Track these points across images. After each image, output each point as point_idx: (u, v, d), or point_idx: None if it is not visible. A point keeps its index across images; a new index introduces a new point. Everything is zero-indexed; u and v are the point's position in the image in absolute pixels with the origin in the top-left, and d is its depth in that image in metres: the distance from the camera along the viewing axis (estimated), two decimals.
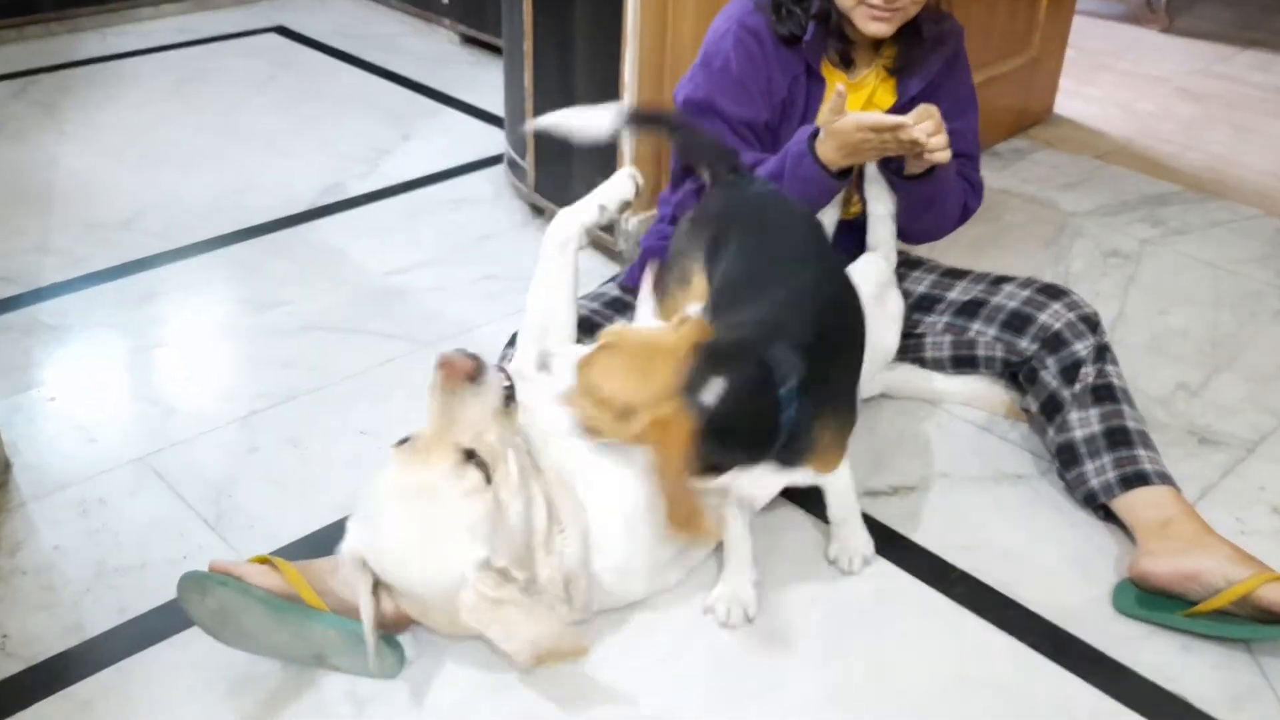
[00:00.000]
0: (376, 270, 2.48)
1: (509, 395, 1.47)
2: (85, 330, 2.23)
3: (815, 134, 1.74)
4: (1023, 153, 3.17)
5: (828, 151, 1.72)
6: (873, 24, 1.77)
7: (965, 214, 1.97)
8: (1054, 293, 1.89)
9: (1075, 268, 2.55)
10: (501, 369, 1.49)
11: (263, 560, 1.52)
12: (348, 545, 1.44)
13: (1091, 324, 1.85)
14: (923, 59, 1.87)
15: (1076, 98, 3.59)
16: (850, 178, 1.80)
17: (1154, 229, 2.76)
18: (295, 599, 1.46)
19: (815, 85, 1.88)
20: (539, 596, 1.41)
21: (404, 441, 1.44)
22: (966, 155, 1.94)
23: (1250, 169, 3.15)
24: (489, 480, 1.37)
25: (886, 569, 1.70)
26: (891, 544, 1.74)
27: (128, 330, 2.24)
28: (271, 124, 3.23)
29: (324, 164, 2.98)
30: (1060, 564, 1.72)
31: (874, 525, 1.77)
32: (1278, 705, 1.49)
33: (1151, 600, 1.61)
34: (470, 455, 1.38)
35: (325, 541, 1.70)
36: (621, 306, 1.97)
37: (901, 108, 1.85)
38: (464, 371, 1.41)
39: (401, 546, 1.38)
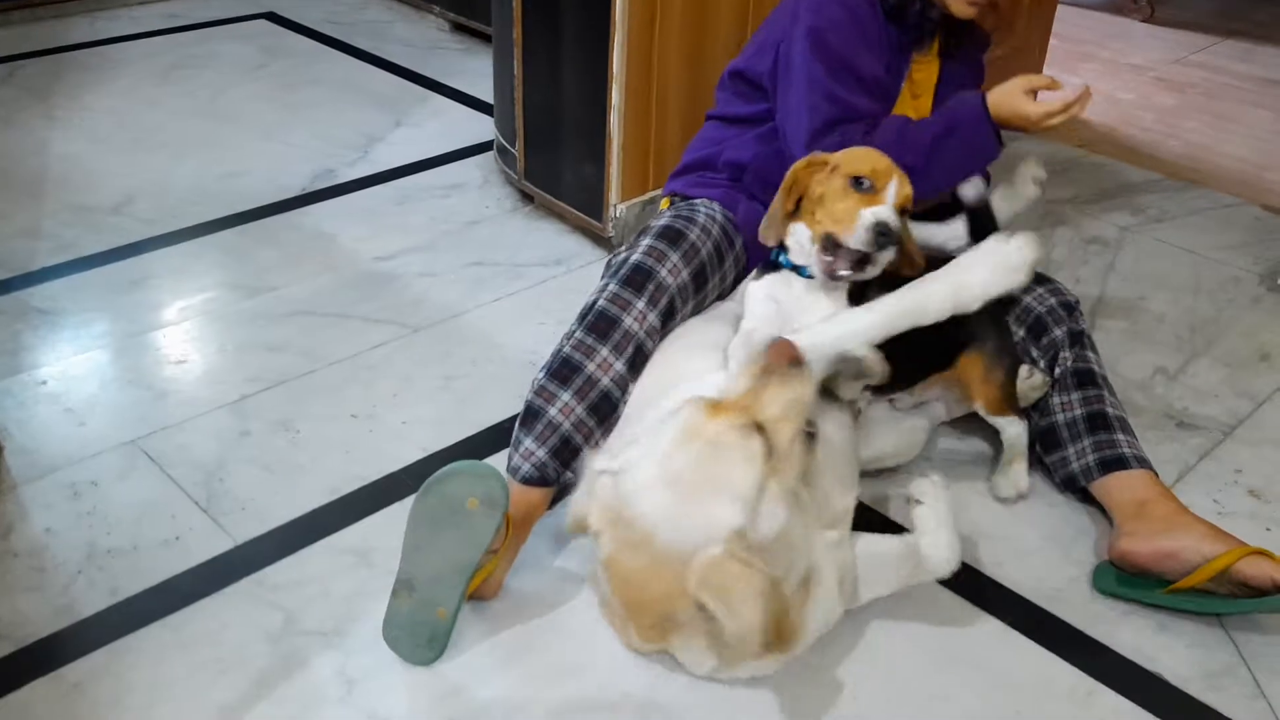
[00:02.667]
0: (366, 256, 2.50)
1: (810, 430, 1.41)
2: (76, 315, 2.24)
3: (983, 101, 1.77)
4: (1005, 138, 3.18)
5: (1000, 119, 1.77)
6: (967, 7, 1.84)
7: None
8: (1037, 278, 1.92)
9: (1056, 255, 2.58)
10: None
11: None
12: (600, 466, 1.41)
13: (1069, 309, 1.89)
14: (969, 45, 1.99)
15: None
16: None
17: (1134, 217, 2.79)
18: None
19: (904, 61, 1.91)
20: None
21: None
22: None
23: (1229, 157, 3.19)
24: (768, 453, 1.32)
25: None
26: (875, 525, 1.77)
27: (118, 315, 2.25)
28: (261, 110, 3.23)
29: (314, 150, 2.99)
30: (1040, 544, 1.76)
31: (858, 506, 1.79)
32: (1253, 683, 1.53)
33: (1131, 580, 1.65)
34: (760, 429, 1.33)
35: (316, 524, 1.73)
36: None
37: (944, 90, 1.98)
38: (790, 356, 1.39)
39: (665, 483, 1.33)
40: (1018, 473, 1.83)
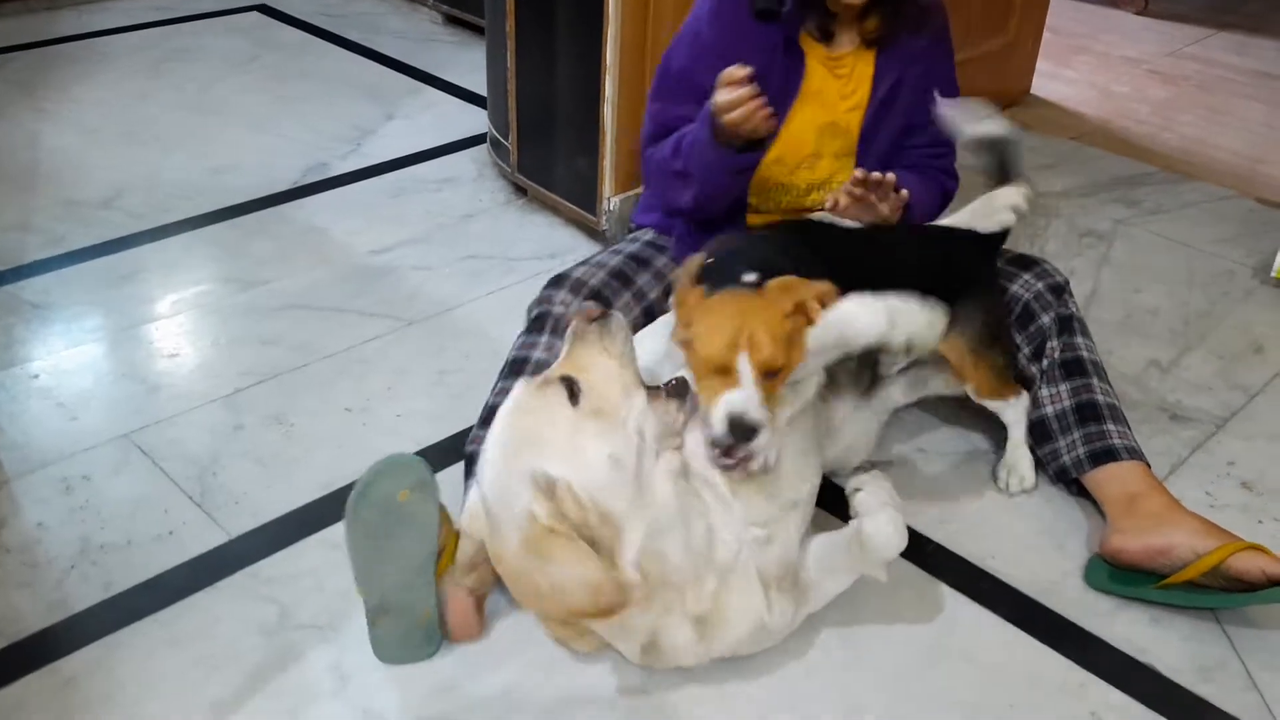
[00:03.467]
0: (359, 249, 2.49)
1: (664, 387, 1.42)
2: (67, 309, 2.24)
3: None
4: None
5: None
6: None
7: (945, 200, 1.97)
8: (1024, 263, 1.91)
9: (1050, 248, 2.58)
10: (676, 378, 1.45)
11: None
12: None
13: (1057, 292, 1.86)
14: (904, 33, 1.83)
15: (1054, 79, 3.62)
16: (762, 150, 1.74)
17: (1128, 209, 2.79)
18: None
19: (793, 58, 1.84)
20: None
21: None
22: (947, 146, 1.93)
23: (1224, 150, 3.19)
24: (575, 402, 1.34)
25: None
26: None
27: (110, 309, 2.24)
28: (253, 103, 3.22)
29: (306, 143, 2.98)
30: (1033, 537, 1.76)
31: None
32: (1245, 675, 1.53)
33: (1123, 575, 1.65)
34: (568, 380, 1.36)
35: (310, 518, 1.72)
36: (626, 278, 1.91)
37: (881, 84, 1.85)
38: (589, 313, 1.43)
39: (492, 462, 1.35)
40: (1021, 463, 1.84)
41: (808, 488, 1.55)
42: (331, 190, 2.74)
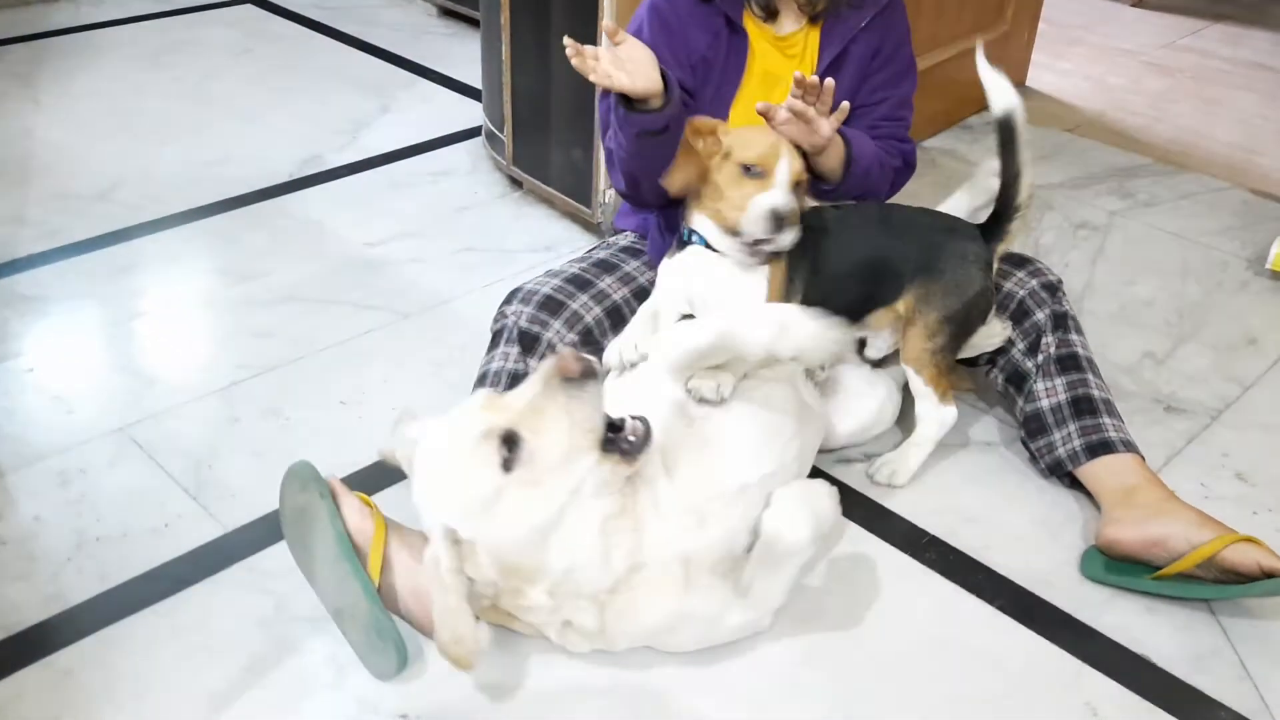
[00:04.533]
0: (355, 242, 2.49)
1: (622, 443, 1.37)
2: (63, 301, 2.23)
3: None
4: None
5: None
6: None
7: (900, 168, 1.93)
8: (1017, 261, 1.91)
9: (1045, 240, 2.59)
10: (640, 420, 1.39)
11: (367, 501, 1.54)
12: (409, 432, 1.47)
13: (1051, 290, 1.87)
14: (844, 6, 1.82)
15: (1049, 71, 3.62)
16: (660, 111, 1.69)
17: (1123, 201, 2.80)
18: (363, 552, 1.48)
19: (737, 39, 1.83)
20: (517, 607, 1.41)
21: (496, 394, 1.43)
22: (901, 120, 1.91)
23: (1218, 142, 3.19)
24: (507, 468, 1.31)
25: (859, 534, 1.73)
26: (864, 509, 1.78)
27: (106, 301, 2.24)
28: (248, 95, 3.22)
29: (302, 136, 2.97)
30: (1028, 529, 1.76)
31: (847, 491, 1.80)
32: (1239, 665, 1.54)
33: (1119, 566, 1.66)
34: (510, 439, 1.31)
35: None
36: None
37: (824, 57, 1.84)
38: (566, 369, 1.34)
39: (423, 467, 1.39)
40: (906, 461, 1.82)
41: (760, 472, 1.52)
42: (327, 183, 2.74)
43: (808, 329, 1.45)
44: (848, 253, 1.75)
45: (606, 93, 1.72)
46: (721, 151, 1.66)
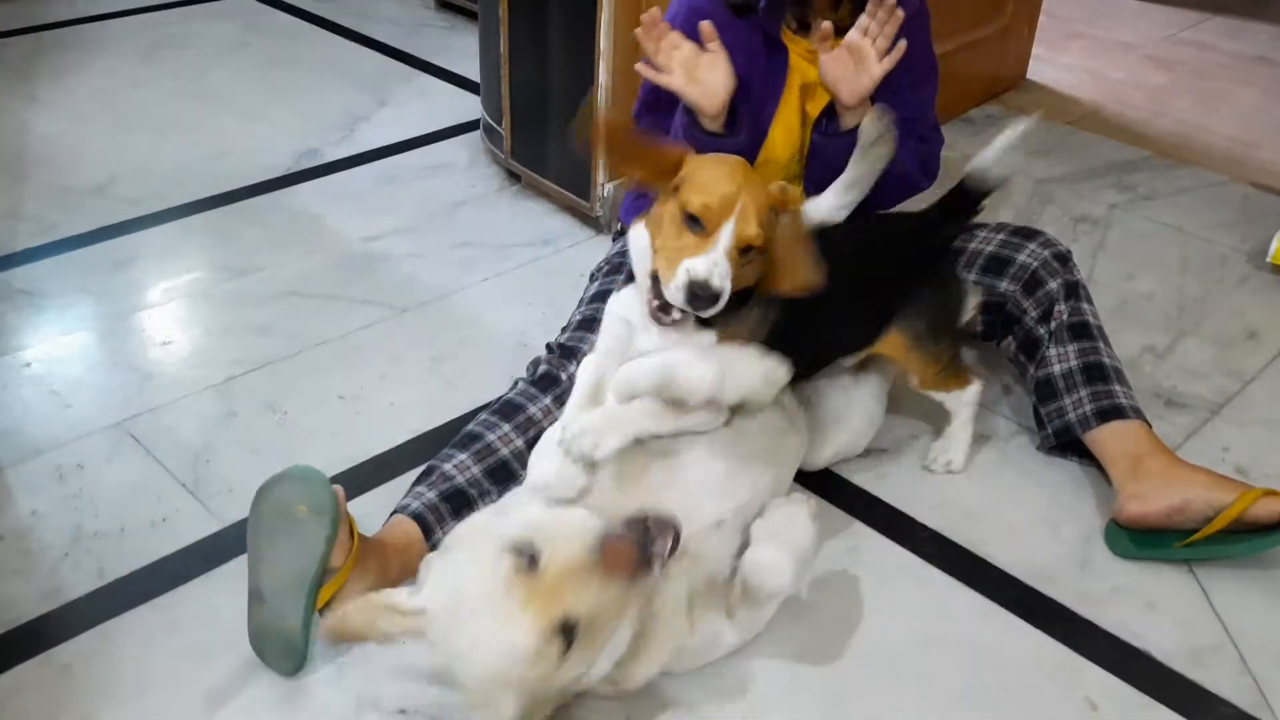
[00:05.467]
0: (353, 236, 2.48)
1: (655, 564, 1.26)
2: (60, 296, 2.23)
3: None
4: (995, 119, 3.19)
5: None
6: None
7: (925, 161, 1.94)
8: (1028, 234, 1.91)
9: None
10: (675, 527, 1.27)
11: (353, 533, 1.47)
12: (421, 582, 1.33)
13: (1063, 260, 1.88)
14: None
15: (1049, 65, 3.61)
16: (743, 132, 1.72)
17: (1123, 195, 2.79)
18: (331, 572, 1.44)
19: (776, 55, 1.83)
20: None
21: (525, 555, 1.23)
22: (918, 119, 1.91)
23: (1218, 135, 3.19)
24: (565, 654, 1.21)
25: (858, 528, 1.73)
26: (863, 504, 1.78)
27: (103, 296, 2.23)
28: (245, 89, 3.20)
29: (299, 130, 2.96)
30: (1027, 523, 1.76)
31: (845, 486, 1.80)
32: (1239, 660, 1.54)
33: (1146, 539, 1.68)
34: (568, 630, 1.21)
35: None
36: None
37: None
38: (624, 569, 1.23)
39: (467, 665, 1.24)
40: (957, 446, 1.84)
41: (731, 505, 1.46)
42: (324, 177, 2.73)
43: (755, 371, 1.40)
44: (816, 305, 1.49)
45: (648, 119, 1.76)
46: (675, 182, 1.46)
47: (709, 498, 1.46)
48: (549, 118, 2.50)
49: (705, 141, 1.68)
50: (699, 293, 1.38)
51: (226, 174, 2.72)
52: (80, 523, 1.68)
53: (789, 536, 1.40)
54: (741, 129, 1.72)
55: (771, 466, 1.56)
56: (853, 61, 1.70)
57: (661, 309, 1.46)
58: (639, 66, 1.70)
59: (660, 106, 1.81)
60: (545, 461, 1.44)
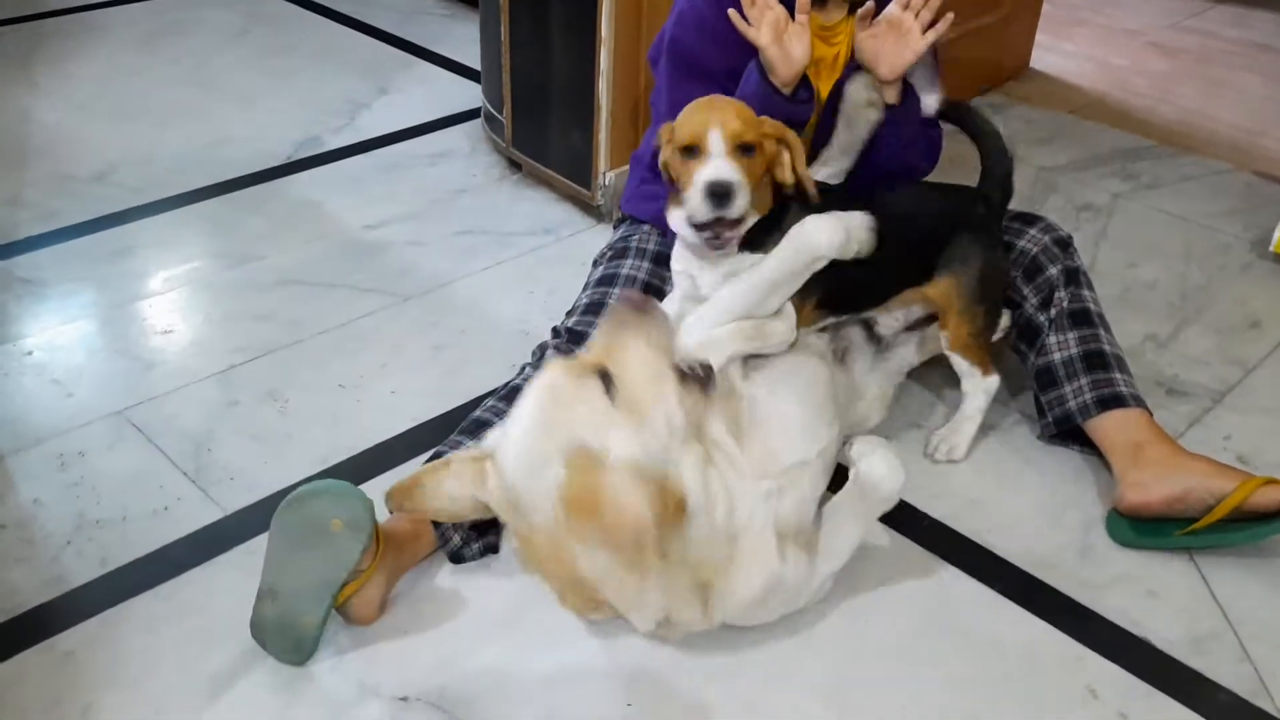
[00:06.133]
0: (354, 224, 2.48)
1: (692, 373, 1.42)
2: (61, 284, 2.23)
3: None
4: (997, 108, 3.18)
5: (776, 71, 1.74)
6: None
7: (930, 144, 1.93)
8: (1028, 219, 1.92)
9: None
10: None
11: (379, 543, 1.49)
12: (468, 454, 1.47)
13: (1063, 246, 1.88)
14: None
15: (1053, 52, 3.60)
16: (807, 101, 1.76)
17: (1126, 183, 2.78)
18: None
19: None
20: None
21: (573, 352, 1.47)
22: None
23: (1222, 123, 3.18)
24: (609, 395, 1.35)
25: None
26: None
27: (103, 284, 2.23)
28: (245, 77, 3.20)
29: (299, 118, 2.96)
30: (1029, 512, 1.76)
31: (847, 474, 1.79)
32: (1239, 647, 1.54)
33: (1147, 527, 1.68)
34: (604, 374, 1.36)
35: None
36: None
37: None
38: (634, 302, 1.43)
39: (517, 440, 1.36)
40: (961, 435, 1.84)
41: (817, 448, 1.55)
42: (325, 165, 2.73)
43: (859, 220, 1.57)
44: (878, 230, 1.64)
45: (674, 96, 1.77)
46: (670, 143, 1.61)
47: (793, 439, 1.53)
48: (550, 106, 2.50)
49: (774, 101, 1.72)
50: (716, 190, 1.52)
51: (227, 162, 2.71)
52: (82, 511, 1.68)
53: (889, 446, 1.56)
54: (808, 101, 1.76)
55: (838, 419, 1.65)
56: (892, 36, 1.72)
57: (711, 241, 1.59)
58: (731, 12, 1.71)
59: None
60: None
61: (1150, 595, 1.61)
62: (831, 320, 1.73)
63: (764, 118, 1.61)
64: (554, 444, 1.32)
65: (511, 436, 1.38)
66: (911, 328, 1.87)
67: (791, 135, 1.62)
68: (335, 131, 2.89)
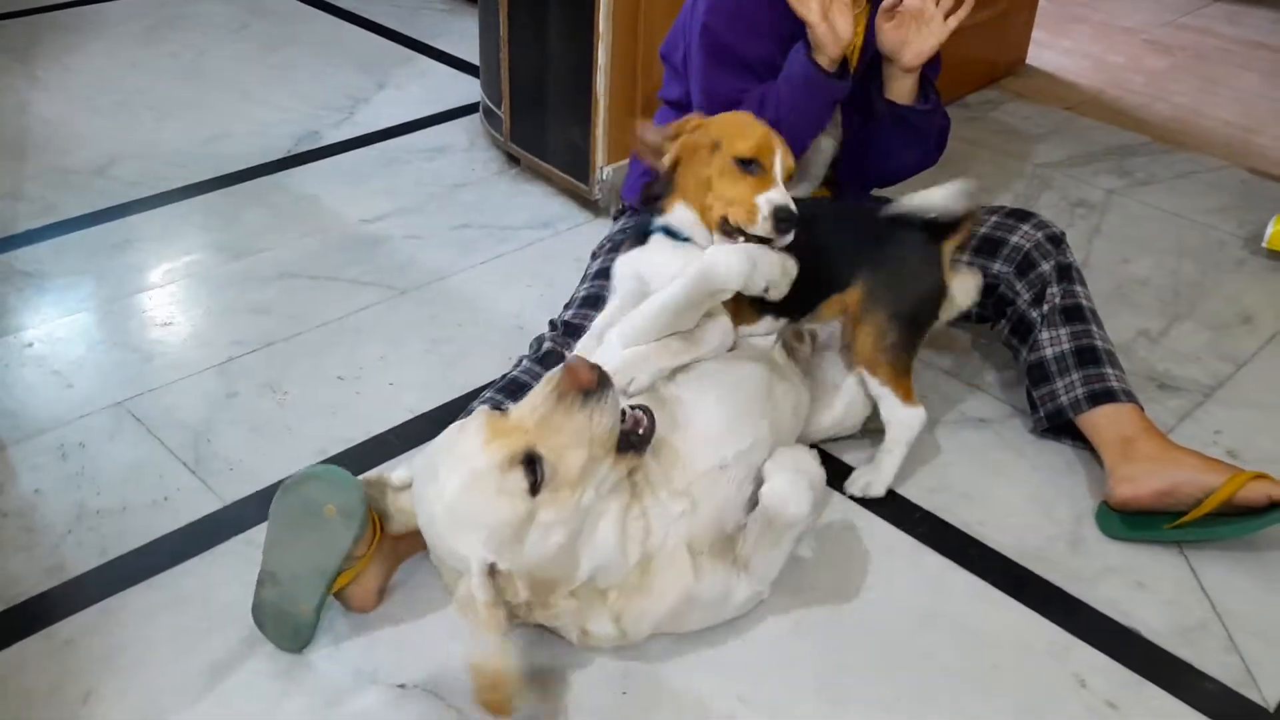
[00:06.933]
0: (352, 218, 2.49)
1: (631, 437, 1.37)
2: (61, 277, 2.24)
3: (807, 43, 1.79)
4: (993, 104, 3.20)
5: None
6: None
7: (939, 135, 1.99)
8: (1021, 215, 1.93)
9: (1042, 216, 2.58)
10: (641, 410, 1.39)
11: (376, 529, 1.50)
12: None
13: (1056, 242, 1.90)
14: None
15: (1049, 49, 3.61)
16: (847, 80, 1.80)
17: (1120, 180, 2.80)
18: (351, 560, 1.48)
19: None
20: (544, 611, 1.39)
21: (499, 408, 1.41)
22: (931, 87, 1.95)
23: (1217, 120, 3.19)
24: (534, 492, 1.28)
25: (852, 509, 1.75)
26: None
27: (103, 277, 2.25)
28: (245, 71, 3.21)
29: (298, 112, 2.97)
30: (1020, 505, 1.78)
31: (841, 467, 1.81)
32: (1226, 638, 1.55)
33: (1136, 521, 1.70)
34: (531, 461, 1.29)
35: None
36: None
37: (871, 36, 1.88)
38: (581, 381, 1.32)
39: (433, 504, 1.32)
40: (881, 472, 1.76)
41: (736, 449, 1.51)
42: (324, 159, 2.74)
43: (771, 258, 1.54)
44: (798, 240, 1.61)
45: (715, 89, 1.80)
46: (709, 143, 1.60)
47: (711, 443, 1.50)
48: (548, 101, 2.51)
49: (819, 79, 1.76)
50: (784, 217, 1.55)
51: (227, 156, 2.73)
52: (82, 501, 1.70)
53: (802, 468, 1.47)
54: (847, 78, 1.79)
55: (767, 416, 1.60)
56: (915, 24, 1.76)
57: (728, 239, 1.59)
58: None
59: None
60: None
61: (1140, 587, 1.63)
62: (772, 323, 1.70)
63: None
64: (463, 545, 1.29)
65: (431, 490, 1.32)
66: None
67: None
68: (334, 126, 2.91)
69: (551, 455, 1.29)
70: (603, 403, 1.32)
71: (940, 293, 1.76)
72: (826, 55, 1.76)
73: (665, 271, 1.59)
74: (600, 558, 1.36)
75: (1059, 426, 1.85)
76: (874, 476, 1.76)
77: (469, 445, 1.31)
